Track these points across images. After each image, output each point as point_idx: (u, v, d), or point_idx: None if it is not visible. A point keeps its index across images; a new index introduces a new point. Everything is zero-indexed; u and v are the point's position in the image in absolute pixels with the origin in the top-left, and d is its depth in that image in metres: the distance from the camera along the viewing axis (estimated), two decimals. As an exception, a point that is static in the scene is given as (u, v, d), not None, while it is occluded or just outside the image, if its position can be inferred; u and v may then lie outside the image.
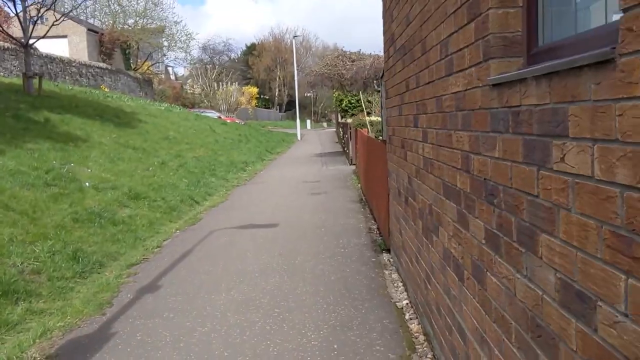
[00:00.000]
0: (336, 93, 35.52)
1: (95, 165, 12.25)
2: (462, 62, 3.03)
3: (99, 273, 6.89)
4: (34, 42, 21.48)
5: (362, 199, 11.59)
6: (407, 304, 5.35)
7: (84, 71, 34.06)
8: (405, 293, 5.63)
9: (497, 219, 2.52)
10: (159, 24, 44.56)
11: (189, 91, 63.51)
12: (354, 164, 18.19)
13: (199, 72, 65.79)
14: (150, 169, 14.23)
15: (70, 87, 27.20)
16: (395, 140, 5.97)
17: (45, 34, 21.29)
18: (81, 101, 23.56)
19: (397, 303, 5.42)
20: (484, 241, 2.75)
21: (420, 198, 4.61)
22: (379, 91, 21.27)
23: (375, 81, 20.78)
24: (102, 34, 38.34)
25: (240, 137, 30.36)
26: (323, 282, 6.24)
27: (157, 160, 15.62)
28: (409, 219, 5.29)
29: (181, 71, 77.97)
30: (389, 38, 6.18)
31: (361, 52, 21.37)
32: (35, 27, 20.94)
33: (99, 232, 8.22)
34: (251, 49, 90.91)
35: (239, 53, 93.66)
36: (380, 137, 12.17)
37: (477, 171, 2.83)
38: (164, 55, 56.17)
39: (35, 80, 20.18)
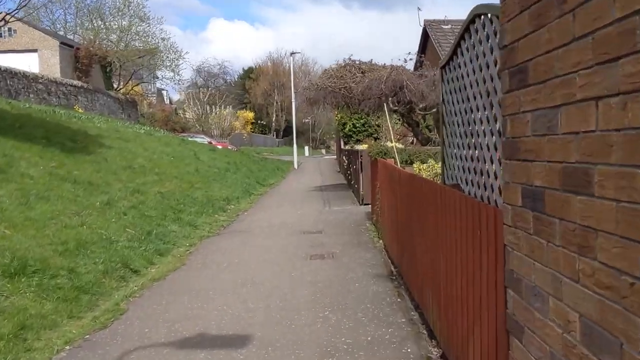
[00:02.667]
0: (338, 115, 31.44)
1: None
2: None
3: None
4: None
5: (392, 273, 7.31)
6: None
7: (53, 89, 30.05)
8: None
9: None
10: (144, 40, 40.73)
11: (182, 115, 59.77)
12: (367, 204, 13.98)
13: (192, 96, 62.15)
14: (83, 213, 10.01)
15: (29, 106, 23.11)
16: (552, 177, 1.81)
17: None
18: (33, 121, 19.43)
19: None
20: None
21: None
22: (396, 111, 17.12)
23: (390, 98, 16.68)
24: (78, 49, 34.44)
25: (229, 166, 26.21)
26: None
27: (101, 200, 11.41)
28: None
29: (177, 96, 74.29)
30: None
31: (373, 63, 17.27)
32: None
33: None
34: (248, 73, 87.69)
35: (236, 77, 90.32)
36: (432, 176, 8.02)
37: None
38: (155, 77, 52.52)
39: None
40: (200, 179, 19.34)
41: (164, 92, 76.51)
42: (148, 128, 31.60)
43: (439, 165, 9.84)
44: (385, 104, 16.71)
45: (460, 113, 4.56)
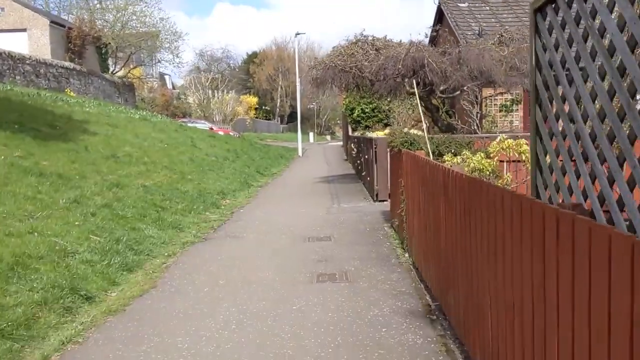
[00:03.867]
0: (346, 100, 29.39)
1: None
2: None
3: None
4: None
5: (430, 308, 5.38)
6: None
7: (42, 71, 28.09)
8: None
9: None
10: (142, 20, 38.62)
11: (184, 101, 57.78)
12: (383, 201, 12.05)
13: (194, 80, 60.08)
14: (39, 215, 8.13)
15: (10, 88, 21.19)
16: None
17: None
18: (10, 104, 17.61)
19: None
20: None
21: None
22: (413, 93, 15.07)
23: (406, 80, 14.68)
24: (70, 29, 32.38)
25: (228, 154, 24.29)
26: None
27: (68, 197, 9.55)
28: None
29: (181, 81, 72.04)
30: None
31: (388, 39, 15.22)
32: None
33: None
34: (252, 57, 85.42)
35: (240, 61, 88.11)
36: (470, 172, 6.15)
37: None
38: (157, 60, 50.48)
39: None
40: (195, 169, 17.45)
41: (167, 77, 74.58)
42: (144, 113, 29.68)
43: (477, 158, 7.89)
44: (404, 85, 14.74)
45: (589, 81, 2.61)
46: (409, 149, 7.82)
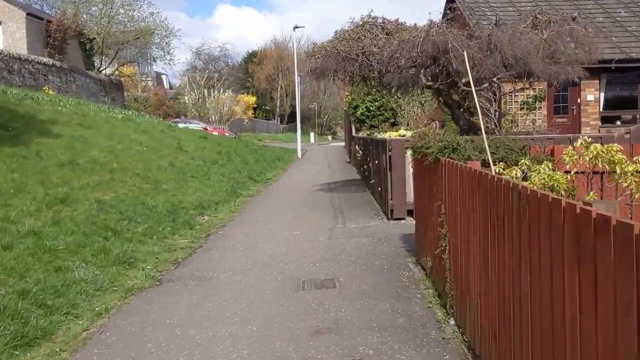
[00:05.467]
0: (349, 97, 26.81)
1: None
2: None
3: None
4: None
5: None
6: None
7: (16, 67, 25.54)
8: None
9: None
10: (130, 15, 36.15)
11: (180, 100, 55.28)
12: (399, 219, 9.52)
13: (189, 80, 57.60)
14: None
15: (-30, 85, 18.74)
16: None
17: None
18: (-41, 102, 15.22)
19: None
20: None
21: None
22: (430, 87, 12.43)
23: (424, 70, 12.15)
24: (49, 21, 29.83)
25: (219, 157, 21.80)
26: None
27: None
28: None
29: (178, 81, 69.34)
30: None
31: (401, 22, 12.67)
32: None
33: None
34: (252, 57, 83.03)
35: (239, 61, 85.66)
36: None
37: None
38: (153, 59, 48.07)
39: None
40: (174, 176, 14.95)
41: (164, 77, 72.19)
42: (130, 113, 27.23)
43: (545, 170, 5.39)
44: (421, 77, 12.19)
45: None
46: (451, 157, 5.29)
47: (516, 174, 5.19)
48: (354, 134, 24.94)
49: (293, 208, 12.36)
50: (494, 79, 12.08)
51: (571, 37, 11.75)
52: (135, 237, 8.61)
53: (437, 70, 11.93)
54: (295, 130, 38.95)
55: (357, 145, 18.40)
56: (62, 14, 31.26)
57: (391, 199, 9.85)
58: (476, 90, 12.78)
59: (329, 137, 74.97)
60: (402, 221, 9.50)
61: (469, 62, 11.15)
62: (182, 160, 17.99)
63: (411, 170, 9.77)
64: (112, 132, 18.06)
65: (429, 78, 12.63)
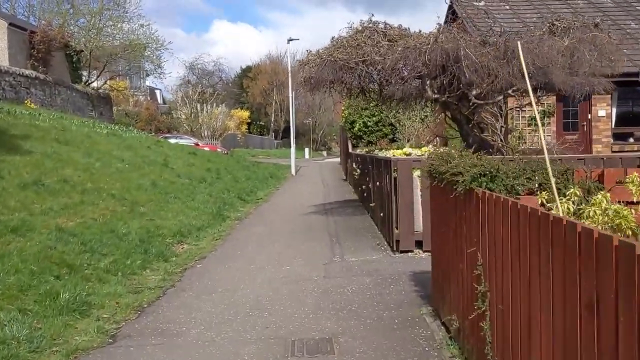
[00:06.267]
0: (346, 111, 25.57)
1: None
2: None
3: None
4: None
5: None
6: None
7: (-5, 79, 24.29)
8: None
9: None
10: (119, 27, 34.99)
11: (173, 115, 53.99)
12: (406, 252, 8.19)
13: (182, 94, 56.37)
14: None
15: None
16: None
17: None
18: None
19: None
20: None
21: None
22: (437, 100, 11.13)
23: (429, 81, 10.92)
24: (33, 32, 28.58)
25: (208, 174, 20.48)
26: None
27: None
28: None
29: (172, 96, 68.06)
30: None
31: (405, 28, 11.43)
32: None
33: None
34: (246, 72, 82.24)
35: (233, 75, 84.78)
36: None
37: None
38: (146, 74, 46.91)
39: None
40: (155, 196, 13.59)
41: (158, 92, 71.05)
42: (116, 127, 25.94)
43: (605, 204, 4.09)
44: (426, 89, 10.93)
45: None
46: (489, 187, 3.98)
47: (568, 208, 3.88)
48: (350, 150, 23.67)
49: (284, 235, 11.00)
50: (509, 91, 10.86)
51: (594, 45, 10.54)
52: (95, 274, 7.24)
53: (446, 81, 10.70)
54: (289, 146, 37.79)
55: (354, 163, 17.13)
56: (47, 25, 30.03)
57: (397, 228, 8.50)
58: (489, 104, 11.60)
59: (324, 153, 74.09)
60: (410, 254, 8.16)
61: (482, 72, 9.97)
62: (167, 178, 16.65)
63: (420, 194, 8.52)
64: (92, 148, 16.71)
65: (436, 90, 11.40)
